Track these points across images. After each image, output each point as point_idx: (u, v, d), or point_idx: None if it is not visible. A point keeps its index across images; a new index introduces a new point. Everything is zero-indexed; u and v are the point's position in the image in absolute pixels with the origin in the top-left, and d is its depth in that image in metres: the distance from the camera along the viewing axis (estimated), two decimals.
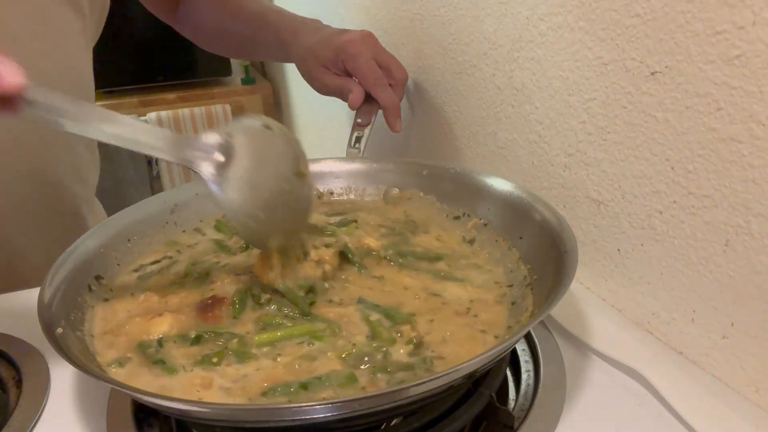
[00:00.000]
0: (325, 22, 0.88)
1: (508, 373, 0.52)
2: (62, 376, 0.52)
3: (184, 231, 0.64)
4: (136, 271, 0.59)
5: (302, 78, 0.90)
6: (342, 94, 0.84)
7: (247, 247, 0.60)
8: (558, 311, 0.56)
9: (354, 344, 0.47)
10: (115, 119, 0.45)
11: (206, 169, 0.47)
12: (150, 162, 2.11)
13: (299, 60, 0.87)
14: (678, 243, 0.50)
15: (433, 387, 0.39)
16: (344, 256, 0.57)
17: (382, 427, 0.45)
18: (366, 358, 0.45)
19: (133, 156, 2.00)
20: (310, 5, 1.36)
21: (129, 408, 0.48)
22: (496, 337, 0.48)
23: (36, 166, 0.73)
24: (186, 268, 0.58)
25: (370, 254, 0.58)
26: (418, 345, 0.47)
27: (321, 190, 0.72)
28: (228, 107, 2.10)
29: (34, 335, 0.56)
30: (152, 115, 2.02)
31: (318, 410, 0.37)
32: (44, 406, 0.49)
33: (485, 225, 0.62)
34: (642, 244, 0.54)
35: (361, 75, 0.81)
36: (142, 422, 0.47)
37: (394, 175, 0.70)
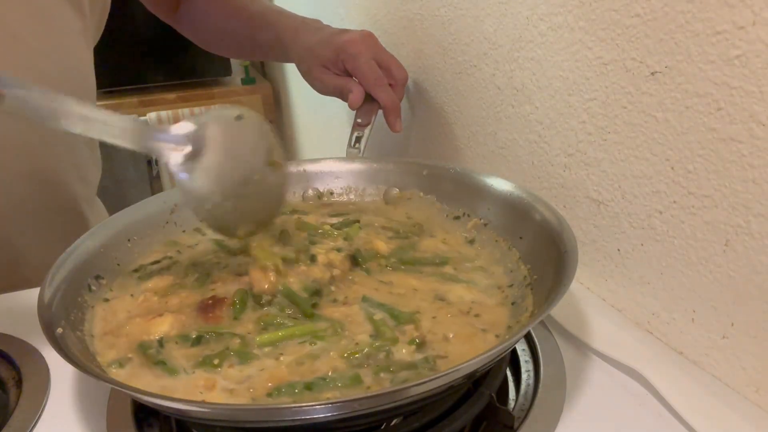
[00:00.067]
0: (325, 22, 0.89)
1: (508, 373, 0.52)
2: (62, 376, 0.52)
3: (184, 231, 0.64)
4: (136, 271, 0.59)
5: (302, 78, 0.90)
6: (342, 94, 0.84)
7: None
8: (558, 311, 0.56)
9: (357, 343, 0.47)
10: (80, 108, 0.46)
11: (173, 159, 0.48)
12: (150, 162, 2.11)
13: (299, 60, 0.87)
14: (678, 243, 0.50)
15: (433, 387, 0.39)
16: (354, 260, 0.57)
17: (383, 427, 0.45)
18: (369, 358, 0.45)
19: (133, 156, 2.00)
20: (310, 5, 1.36)
21: (129, 408, 0.48)
22: (497, 336, 0.48)
23: (37, 166, 0.73)
24: (186, 269, 0.58)
25: (379, 258, 0.58)
26: (421, 344, 0.47)
27: (321, 190, 0.72)
28: None
29: (34, 335, 0.56)
30: (152, 115, 2.02)
31: (318, 410, 0.37)
32: (44, 406, 0.49)
33: (485, 225, 0.62)
34: (642, 244, 0.54)
35: (361, 75, 0.81)
36: (142, 422, 0.47)
37: (394, 175, 0.70)
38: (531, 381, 0.50)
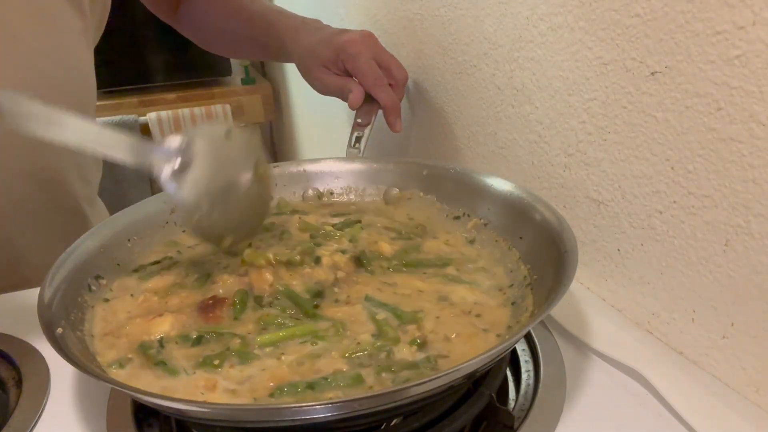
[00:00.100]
0: (325, 22, 0.89)
1: (508, 373, 0.52)
2: (62, 376, 0.52)
3: (184, 231, 0.64)
4: (136, 271, 0.59)
5: (302, 78, 0.90)
6: (342, 94, 0.84)
7: (250, 245, 0.60)
8: (558, 311, 0.56)
9: (359, 343, 0.47)
10: (77, 122, 0.47)
11: (164, 172, 0.50)
12: None
13: (299, 60, 0.87)
14: (678, 243, 0.50)
15: (433, 387, 0.39)
16: (359, 262, 0.57)
17: (383, 427, 0.45)
18: (370, 358, 0.45)
19: None
20: (310, 5, 1.36)
21: (129, 408, 0.48)
22: (498, 336, 0.48)
23: (38, 165, 0.73)
24: (186, 269, 0.58)
25: (382, 259, 0.58)
26: (422, 344, 0.47)
27: (321, 190, 0.72)
28: (228, 107, 2.10)
29: (34, 335, 0.56)
30: (152, 115, 2.02)
31: (318, 410, 0.37)
32: (44, 406, 0.49)
33: (485, 225, 0.62)
34: (642, 244, 0.54)
35: (361, 75, 0.81)
36: (142, 422, 0.47)
37: (394, 175, 0.70)
38: (531, 381, 0.50)
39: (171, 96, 2.12)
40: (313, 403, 0.38)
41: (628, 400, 0.47)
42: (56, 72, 0.71)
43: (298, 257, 0.55)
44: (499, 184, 0.61)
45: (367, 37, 0.83)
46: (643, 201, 0.53)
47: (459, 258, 0.59)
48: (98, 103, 0.85)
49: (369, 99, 0.83)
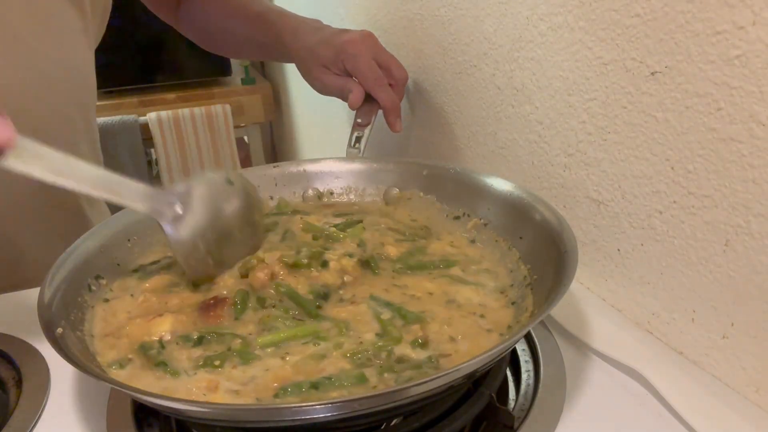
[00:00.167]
0: (325, 22, 0.89)
1: (508, 373, 0.52)
2: (62, 376, 0.52)
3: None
4: (135, 271, 0.59)
5: (302, 78, 0.90)
6: (342, 94, 0.84)
7: None
8: (558, 311, 0.56)
9: (361, 342, 0.47)
10: (90, 170, 0.49)
11: (165, 217, 0.53)
12: (150, 162, 2.11)
13: (299, 60, 0.87)
14: (678, 243, 0.50)
15: (433, 387, 0.39)
16: (366, 265, 0.56)
17: (383, 427, 0.45)
18: (373, 357, 0.45)
19: (133, 156, 2.01)
20: (310, 5, 1.36)
21: (129, 408, 0.48)
22: (501, 335, 0.48)
23: None
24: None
25: (389, 261, 0.58)
26: (425, 344, 0.47)
27: (321, 190, 0.72)
28: (228, 107, 2.10)
29: (34, 335, 0.56)
30: (152, 115, 2.02)
31: (318, 410, 0.37)
32: (44, 406, 0.49)
33: (485, 225, 0.62)
34: (642, 244, 0.54)
35: (361, 75, 0.81)
36: (142, 422, 0.47)
37: (394, 175, 0.70)
38: (531, 381, 0.50)
39: (171, 96, 2.12)
40: (312, 403, 0.38)
41: (628, 400, 0.48)
42: (56, 72, 0.71)
43: (305, 260, 0.55)
44: (499, 184, 0.61)
45: (367, 37, 0.83)
46: (643, 201, 0.53)
47: (464, 259, 0.59)
48: (98, 103, 0.85)
49: (369, 99, 0.83)
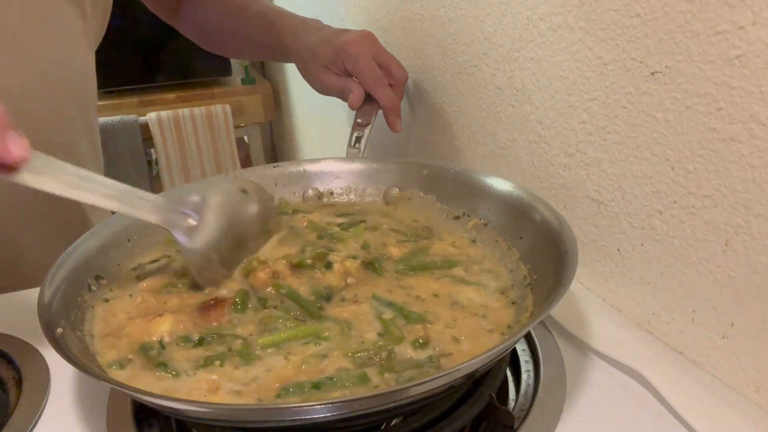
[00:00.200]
0: (325, 22, 0.89)
1: (508, 373, 0.52)
2: (62, 376, 0.52)
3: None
4: (134, 270, 0.59)
5: (302, 78, 0.90)
6: (342, 94, 0.84)
7: None
8: (558, 311, 0.56)
9: (363, 342, 0.47)
10: (111, 185, 0.49)
11: (179, 228, 0.53)
12: (150, 162, 2.11)
13: (299, 60, 0.87)
14: (678, 243, 0.50)
15: (433, 387, 0.39)
16: (371, 267, 0.56)
17: (382, 427, 0.45)
18: (374, 357, 0.45)
19: (133, 156, 2.01)
20: (310, 5, 1.36)
21: (129, 408, 0.48)
22: (502, 335, 0.48)
23: None
24: (186, 267, 0.58)
25: (392, 262, 0.58)
26: (426, 344, 0.47)
27: (321, 190, 0.72)
28: (228, 107, 2.10)
29: (34, 335, 0.56)
30: (152, 115, 2.02)
31: (318, 410, 0.37)
32: (44, 406, 0.49)
33: (485, 225, 0.62)
34: (642, 244, 0.54)
35: (361, 75, 0.81)
36: (142, 422, 0.47)
37: (394, 175, 0.70)
38: (531, 381, 0.50)
39: (171, 96, 2.12)
40: (312, 403, 0.38)
41: (628, 400, 0.47)
42: (57, 72, 0.71)
43: (309, 261, 0.55)
44: (499, 184, 0.61)
45: (367, 37, 0.83)
46: (643, 201, 0.53)
47: (466, 260, 0.59)
48: (98, 103, 0.85)
49: (369, 99, 0.83)
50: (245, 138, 2.36)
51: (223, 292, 0.54)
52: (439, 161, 0.85)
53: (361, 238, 0.61)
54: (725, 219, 0.45)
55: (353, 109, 0.84)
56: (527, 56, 0.64)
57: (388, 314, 0.50)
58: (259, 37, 0.92)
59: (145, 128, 2.02)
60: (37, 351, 0.55)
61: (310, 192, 0.72)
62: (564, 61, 0.59)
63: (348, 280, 0.54)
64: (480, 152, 0.78)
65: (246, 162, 2.32)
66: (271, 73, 2.35)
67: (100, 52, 0.81)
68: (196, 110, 2.06)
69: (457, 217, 0.64)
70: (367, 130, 0.83)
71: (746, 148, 0.42)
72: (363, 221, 0.64)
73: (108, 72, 1.96)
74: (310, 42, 0.85)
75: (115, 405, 0.48)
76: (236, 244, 0.56)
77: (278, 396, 0.43)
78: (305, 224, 0.63)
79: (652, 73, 0.49)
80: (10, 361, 0.54)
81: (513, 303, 0.52)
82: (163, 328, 0.49)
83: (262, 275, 0.53)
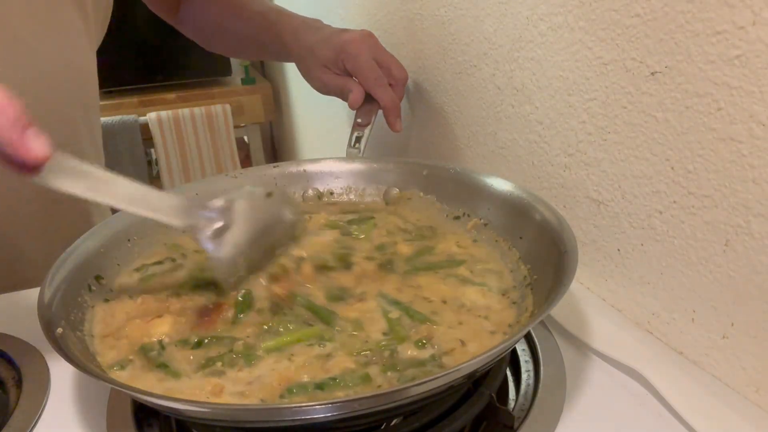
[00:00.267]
0: (325, 22, 0.89)
1: (508, 373, 0.52)
2: (62, 376, 0.52)
3: (184, 231, 0.64)
4: (137, 270, 0.59)
5: (302, 78, 0.90)
6: (342, 94, 0.84)
7: None
8: (558, 311, 0.56)
9: (367, 341, 0.47)
10: (132, 187, 0.48)
11: (204, 233, 0.51)
12: (150, 162, 2.11)
13: (299, 59, 0.87)
14: (678, 243, 0.50)
15: (433, 387, 0.39)
16: (385, 266, 0.57)
17: (382, 427, 0.45)
18: (377, 356, 0.45)
19: (133, 156, 2.01)
20: (310, 5, 1.36)
21: (129, 408, 0.48)
22: (504, 334, 0.48)
23: None
24: (193, 273, 0.58)
25: (403, 260, 0.58)
26: (428, 343, 0.47)
27: (321, 190, 0.72)
28: (228, 107, 2.10)
29: (34, 335, 0.56)
30: (152, 115, 2.02)
31: (318, 410, 0.37)
32: (44, 406, 0.49)
33: (485, 225, 0.62)
34: (642, 244, 0.54)
35: (361, 75, 0.81)
36: (142, 422, 0.47)
37: (394, 175, 0.70)
38: (531, 381, 0.50)
39: (171, 96, 2.12)
40: (312, 403, 0.38)
41: (628, 400, 0.47)
42: (58, 73, 0.71)
43: (332, 263, 0.56)
44: (499, 184, 0.61)
45: (367, 37, 0.83)
46: (643, 201, 0.53)
47: (470, 259, 0.59)
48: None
49: (369, 99, 0.83)
50: (245, 138, 2.36)
51: (229, 296, 0.53)
52: (439, 161, 0.85)
53: (376, 238, 0.61)
54: (725, 219, 0.45)
55: (353, 109, 0.84)
56: (527, 56, 0.64)
57: (394, 313, 0.50)
58: (259, 36, 0.92)
59: (145, 128, 2.02)
60: (37, 351, 0.55)
61: (310, 192, 0.72)
62: (564, 61, 0.59)
63: (362, 281, 0.55)
64: (480, 152, 0.78)
65: (246, 162, 2.32)
66: (271, 73, 2.35)
67: (100, 52, 0.81)
68: (196, 110, 2.06)
69: (457, 217, 0.64)
70: (367, 130, 0.83)
71: (746, 148, 0.42)
72: (372, 218, 0.64)
73: (108, 72, 1.95)
74: (310, 41, 0.85)
75: (115, 405, 0.48)
76: (263, 250, 0.55)
77: (282, 397, 0.43)
78: (323, 222, 0.63)
79: (652, 73, 0.49)
80: (10, 361, 0.54)
81: (513, 303, 0.52)
82: (162, 329, 0.49)
83: (285, 285, 0.53)
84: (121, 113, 2.00)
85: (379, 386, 0.43)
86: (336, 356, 0.46)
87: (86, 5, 0.73)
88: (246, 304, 0.52)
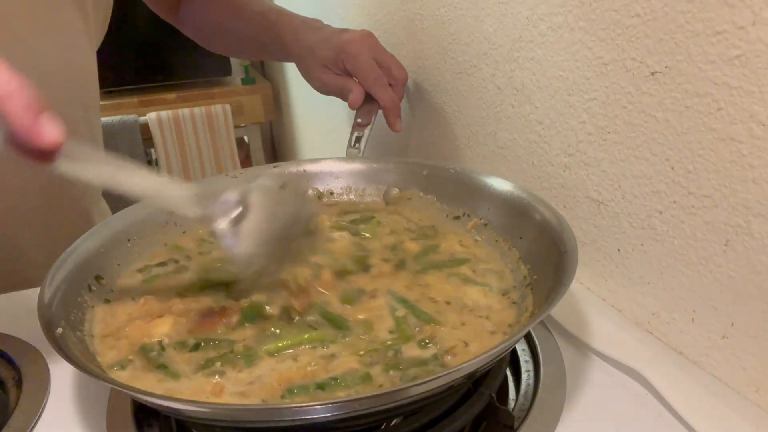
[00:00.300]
0: (325, 22, 0.89)
1: (508, 373, 0.52)
2: (62, 376, 0.52)
3: (184, 232, 0.64)
4: (140, 271, 0.59)
5: (302, 78, 0.90)
6: (342, 94, 0.84)
7: None
8: (558, 311, 0.56)
9: (373, 341, 0.48)
10: (147, 176, 0.47)
11: (219, 224, 0.50)
12: (150, 162, 2.11)
13: (299, 59, 0.87)
14: (678, 243, 0.50)
15: (433, 387, 0.39)
16: (399, 266, 0.57)
17: (383, 427, 0.45)
18: (381, 356, 0.46)
19: (133, 156, 2.00)
20: (310, 5, 1.36)
21: (129, 408, 0.48)
22: (504, 334, 0.48)
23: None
24: (199, 275, 0.57)
25: (410, 258, 0.58)
26: (431, 343, 0.47)
27: (321, 190, 0.72)
28: (228, 107, 2.10)
29: (34, 335, 0.56)
30: (152, 115, 2.02)
31: (318, 410, 0.37)
32: (44, 406, 0.49)
33: (485, 225, 0.62)
34: (642, 244, 0.54)
35: (361, 75, 0.81)
36: (142, 422, 0.47)
37: (394, 175, 0.70)
38: (531, 381, 0.50)
39: (171, 96, 2.12)
40: (312, 403, 0.38)
41: (628, 400, 0.47)
42: (58, 73, 0.71)
43: (350, 267, 0.56)
44: (499, 184, 0.61)
45: (367, 37, 0.83)
46: (643, 201, 0.53)
47: (473, 258, 0.59)
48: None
49: (369, 99, 0.83)
50: (245, 138, 2.36)
51: (233, 304, 0.53)
52: (439, 161, 0.85)
53: (383, 237, 0.61)
54: (725, 219, 0.45)
55: (353, 109, 0.84)
56: (527, 56, 0.64)
57: (400, 311, 0.51)
58: (259, 36, 0.92)
59: (145, 128, 2.02)
60: (37, 351, 0.55)
61: (310, 192, 0.72)
62: (564, 61, 0.59)
63: (378, 279, 0.55)
64: (480, 152, 0.78)
65: (246, 162, 2.32)
66: (271, 73, 2.35)
67: (100, 52, 0.81)
68: (196, 110, 2.06)
69: (457, 217, 0.64)
70: (367, 130, 0.83)
71: (746, 148, 0.42)
72: (373, 217, 0.64)
73: (108, 72, 1.95)
74: (310, 41, 0.85)
75: (115, 405, 0.48)
76: (280, 242, 0.54)
77: (282, 397, 0.43)
78: (329, 224, 0.63)
79: (652, 73, 0.49)
80: (10, 361, 0.54)
81: (514, 303, 0.52)
82: (162, 330, 0.49)
83: (305, 299, 0.52)
84: (121, 113, 2.00)
85: (381, 385, 0.43)
86: (340, 356, 0.46)
87: (86, 5, 0.73)
88: (254, 312, 0.51)
